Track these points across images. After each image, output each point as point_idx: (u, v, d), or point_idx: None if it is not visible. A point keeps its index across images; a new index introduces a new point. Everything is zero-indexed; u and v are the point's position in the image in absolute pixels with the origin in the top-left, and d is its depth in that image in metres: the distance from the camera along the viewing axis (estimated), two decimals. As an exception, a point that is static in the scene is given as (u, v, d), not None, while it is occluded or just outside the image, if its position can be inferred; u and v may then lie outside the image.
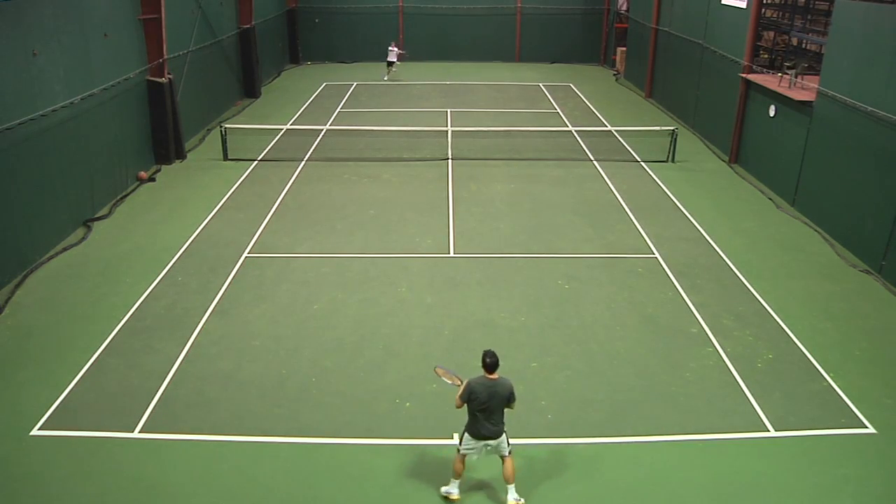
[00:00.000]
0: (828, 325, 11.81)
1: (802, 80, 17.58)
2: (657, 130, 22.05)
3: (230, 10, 26.22)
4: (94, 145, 16.07)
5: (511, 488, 7.93)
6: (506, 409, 7.79)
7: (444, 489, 8.10)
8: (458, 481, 8.03)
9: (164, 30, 18.97)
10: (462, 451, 7.90)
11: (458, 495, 8.02)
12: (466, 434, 7.82)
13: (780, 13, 21.06)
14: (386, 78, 32.12)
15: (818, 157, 16.15)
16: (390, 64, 32.08)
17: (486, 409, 7.60)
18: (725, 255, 14.32)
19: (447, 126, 23.75)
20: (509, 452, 7.93)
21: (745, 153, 20.04)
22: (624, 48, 33.66)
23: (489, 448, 7.84)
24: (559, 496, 8.17)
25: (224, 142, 20.12)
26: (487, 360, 7.54)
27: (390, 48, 32.04)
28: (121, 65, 17.44)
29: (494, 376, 7.60)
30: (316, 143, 21.87)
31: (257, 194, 17.47)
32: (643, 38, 29.75)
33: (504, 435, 7.85)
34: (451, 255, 14.26)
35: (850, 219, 14.74)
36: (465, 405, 7.67)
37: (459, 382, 7.81)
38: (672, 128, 21.00)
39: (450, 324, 11.70)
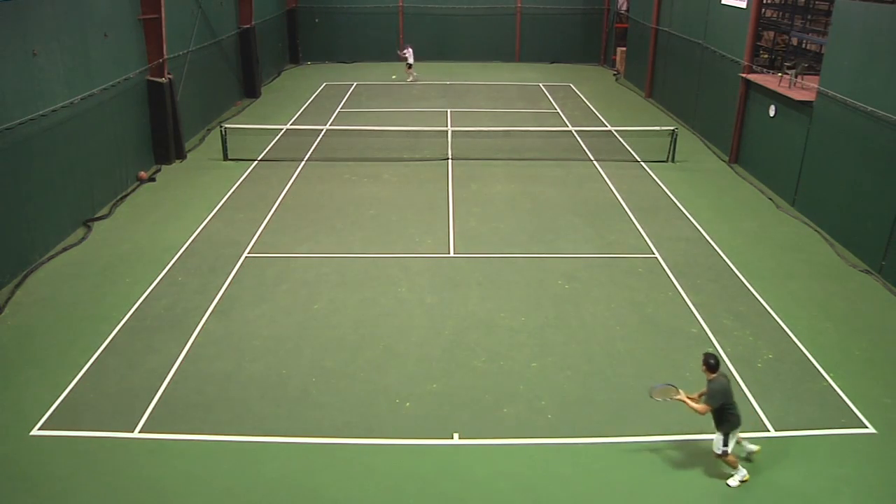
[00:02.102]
0: (828, 325, 11.81)
1: (802, 80, 17.58)
2: (657, 130, 22.05)
3: (230, 10, 26.22)
4: (94, 145, 16.08)
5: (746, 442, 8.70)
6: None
7: (734, 481, 8.36)
8: (740, 466, 8.43)
9: (164, 30, 18.97)
10: (732, 449, 8.25)
11: (747, 475, 8.42)
12: (733, 431, 8.20)
13: (780, 13, 21.06)
14: (414, 75, 31.88)
15: (818, 157, 16.15)
16: (410, 66, 31.87)
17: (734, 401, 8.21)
18: (725, 255, 14.33)
19: (447, 126, 23.75)
20: None
21: (745, 153, 20.04)
22: (624, 48, 33.66)
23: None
24: (559, 496, 8.17)
25: (224, 142, 20.12)
26: (712, 361, 8.12)
27: (405, 51, 31.77)
28: (121, 65, 17.44)
29: (720, 373, 8.18)
30: (316, 143, 21.87)
31: (257, 194, 17.48)
32: (643, 38, 29.75)
33: None
34: (451, 255, 14.26)
35: (850, 219, 14.74)
36: (716, 407, 8.10)
37: (676, 392, 8.35)
38: (672, 128, 21.00)
39: (450, 324, 11.70)
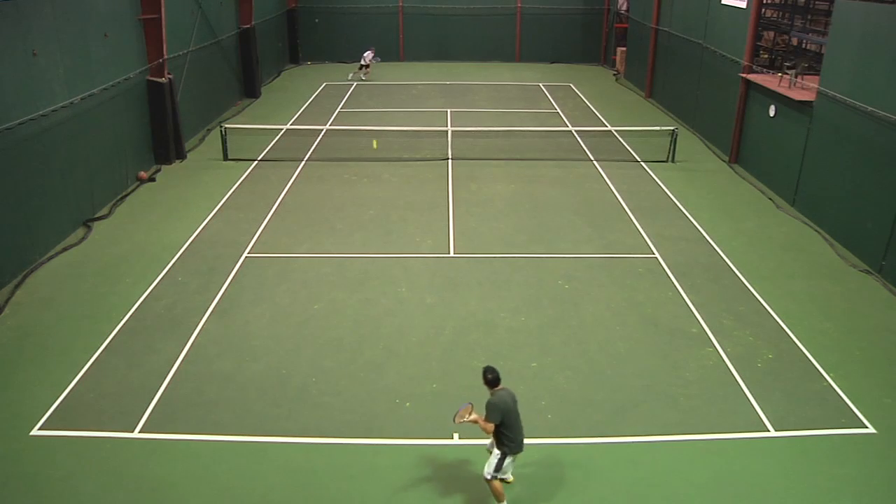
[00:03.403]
0: (828, 325, 11.81)
1: (802, 80, 17.58)
2: (657, 130, 22.05)
3: (230, 10, 26.22)
4: (94, 145, 16.07)
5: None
6: None
7: None
8: (505, 500, 7.89)
9: (164, 30, 18.97)
10: (503, 475, 7.81)
11: None
12: (510, 456, 7.70)
13: (780, 13, 21.06)
14: (360, 76, 31.83)
15: (818, 157, 16.15)
16: (364, 66, 31.82)
17: (518, 419, 7.65)
18: (725, 255, 14.32)
19: (447, 126, 23.75)
20: None
21: (745, 153, 20.04)
22: (624, 48, 33.66)
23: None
24: (559, 496, 8.17)
25: (224, 142, 20.12)
26: (489, 375, 7.58)
27: (367, 52, 31.87)
28: (121, 65, 17.44)
29: (502, 387, 7.65)
30: (316, 143, 21.87)
31: (257, 194, 17.48)
32: (643, 38, 29.75)
33: None
34: (451, 255, 14.26)
35: (850, 219, 14.74)
36: (497, 424, 7.55)
37: (471, 410, 7.69)
38: (672, 128, 21.00)
39: (450, 324, 11.70)
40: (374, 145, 12.07)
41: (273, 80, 32.26)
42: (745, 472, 8.51)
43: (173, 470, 8.47)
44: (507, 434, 7.59)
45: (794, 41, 20.02)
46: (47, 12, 14.20)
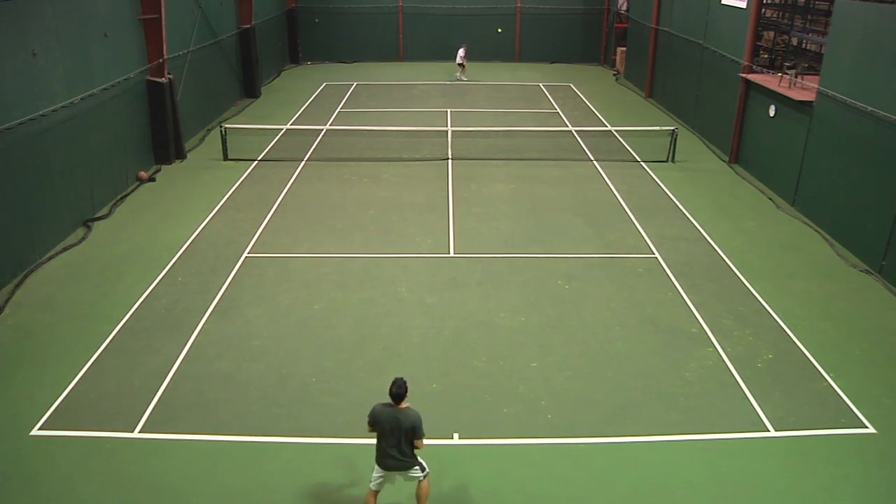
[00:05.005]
0: (828, 325, 11.81)
1: (802, 80, 17.58)
2: (657, 130, 22.04)
3: (230, 10, 26.22)
4: (94, 145, 16.07)
5: None
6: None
7: None
8: None
9: (164, 30, 18.97)
10: (372, 486, 7.49)
11: None
12: (376, 465, 7.43)
13: (780, 13, 21.06)
14: (460, 76, 32.32)
15: (818, 157, 16.15)
16: (461, 65, 32.17)
17: (389, 439, 7.25)
18: (725, 255, 14.32)
19: (447, 126, 23.75)
20: (425, 476, 7.57)
21: (745, 153, 20.04)
22: (624, 48, 33.67)
23: (401, 477, 7.50)
24: (559, 496, 8.17)
25: (224, 142, 20.12)
26: (394, 389, 7.22)
27: (460, 50, 32.20)
28: (121, 65, 17.44)
29: (403, 405, 7.30)
30: (316, 143, 21.87)
31: (257, 194, 17.47)
32: (643, 38, 29.75)
33: (416, 468, 7.47)
34: (451, 255, 14.26)
35: (850, 219, 14.74)
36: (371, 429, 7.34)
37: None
38: (672, 128, 21.00)
39: (450, 324, 11.70)
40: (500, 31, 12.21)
41: (273, 80, 32.26)
42: (745, 471, 8.51)
43: (173, 470, 8.47)
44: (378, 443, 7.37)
45: (794, 41, 20.02)
46: (47, 12, 14.19)
